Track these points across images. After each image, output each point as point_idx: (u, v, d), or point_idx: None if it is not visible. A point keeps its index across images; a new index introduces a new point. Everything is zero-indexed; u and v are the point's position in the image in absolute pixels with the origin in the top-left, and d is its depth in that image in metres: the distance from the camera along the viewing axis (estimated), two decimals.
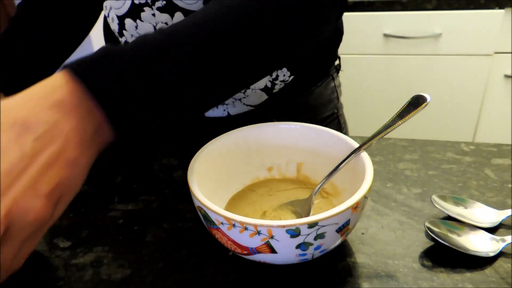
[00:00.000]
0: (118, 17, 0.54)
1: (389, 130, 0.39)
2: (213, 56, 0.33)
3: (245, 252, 0.35)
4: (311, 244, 0.33)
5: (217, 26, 0.34)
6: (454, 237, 0.38)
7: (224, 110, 0.60)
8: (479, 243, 0.38)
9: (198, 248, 0.41)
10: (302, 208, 0.41)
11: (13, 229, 0.25)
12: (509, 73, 1.41)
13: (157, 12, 0.50)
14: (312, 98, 0.63)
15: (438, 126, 1.55)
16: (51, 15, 0.61)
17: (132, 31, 0.53)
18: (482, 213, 0.41)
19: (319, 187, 0.41)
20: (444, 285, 0.35)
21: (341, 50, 0.66)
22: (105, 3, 0.57)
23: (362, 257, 0.39)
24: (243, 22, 0.35)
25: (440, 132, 1.56)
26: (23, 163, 0.26)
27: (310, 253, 0.34)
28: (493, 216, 0.41)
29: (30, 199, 0.25)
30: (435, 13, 1.37)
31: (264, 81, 0.56)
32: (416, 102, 0.39)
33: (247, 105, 0.59)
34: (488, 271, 0.36)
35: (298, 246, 0.33)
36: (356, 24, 1.45)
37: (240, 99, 0.58)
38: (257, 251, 0.34)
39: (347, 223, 0.34)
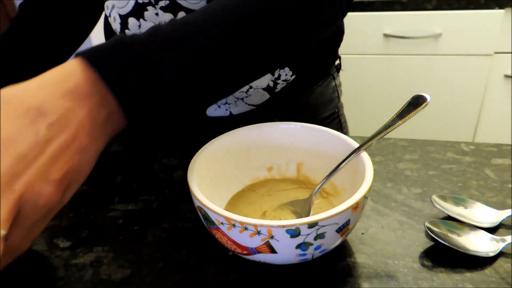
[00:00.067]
0: (121, 16, 0.54)
1: (389, 130, 0.39)
2: (213, 56, 0.34)
3: (245, 252, 0.35)
4: (311, 244, 0.33)
5: (217, 26, 0.34)
6: (454, 237, 0.38)
7: (226, 110, 0.60)
8: (479, 243, 0.38)
9: (198, 248, 0.41)
10: (302, 208, 0.41)
11: (23, 212, 0.26)
12: (509, 73, 1.41)
13: (160, 12, 0.50)
14: (313, 97, 0.63)
15: (438, 126, 1.55)
16: (52, 16, 0.61)
17: (135, 30, 0.53)
18: (482, 213, 0.41)
19: (319, 187, 0.41)
20: (444, 285, 0.35)
21: (341, 50, 0.66)
22: (106, 3, 0.57)
23: (362, 257, 0.39)
24: (243, 22, 0.35)
25: (440, 132, 1.56)
26: (37, 149, 0.26)
27: (310, 253, 0.34)
28: (493, 216, 0.41)
29: (42, 184, 0.26)
30: (435, 13, 1.37)
31: (267, 81, 0.56)
32: (416, 102, 0.39)
33: (249, 105, 0.59)
34: (488, 271, 0.36)
35: (298, 246, 0.33)
36: (356, 24, 1.45)
37: (242, 99, 0.58)
38: (257, 251, 0.34)
39: (347, 223, 0.34)
